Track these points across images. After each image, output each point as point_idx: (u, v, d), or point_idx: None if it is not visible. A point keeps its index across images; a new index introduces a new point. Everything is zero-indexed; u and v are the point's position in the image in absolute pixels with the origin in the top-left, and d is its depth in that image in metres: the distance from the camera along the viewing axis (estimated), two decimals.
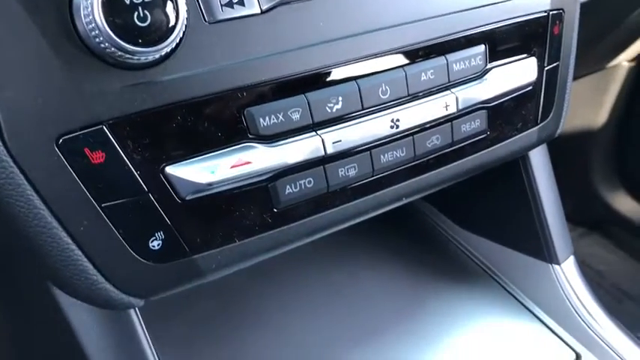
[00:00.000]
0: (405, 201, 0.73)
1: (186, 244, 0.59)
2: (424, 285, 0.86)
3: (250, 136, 0.57)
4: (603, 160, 1.91)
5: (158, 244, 0.58)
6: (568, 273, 0.88)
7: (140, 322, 0.67)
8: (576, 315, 0.86)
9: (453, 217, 1.00)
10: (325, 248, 0.90)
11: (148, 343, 0.67)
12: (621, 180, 1.91)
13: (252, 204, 0.60)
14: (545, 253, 0.89)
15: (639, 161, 1.88)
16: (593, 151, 1.92)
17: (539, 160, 0.88)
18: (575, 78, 0.82)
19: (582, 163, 1.92)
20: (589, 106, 1.89)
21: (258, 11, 0.58)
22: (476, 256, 0.96)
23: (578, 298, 0.86)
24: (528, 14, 0.72)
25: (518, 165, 0.87)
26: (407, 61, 0.64)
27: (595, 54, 1.47)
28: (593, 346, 0.84)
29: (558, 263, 0.88)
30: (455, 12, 0.67)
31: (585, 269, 1.91)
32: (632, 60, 1.71)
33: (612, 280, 1.86)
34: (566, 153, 1.87)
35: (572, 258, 0.90)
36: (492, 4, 0.69)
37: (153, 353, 0.67)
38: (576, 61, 0.81)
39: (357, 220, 0.71)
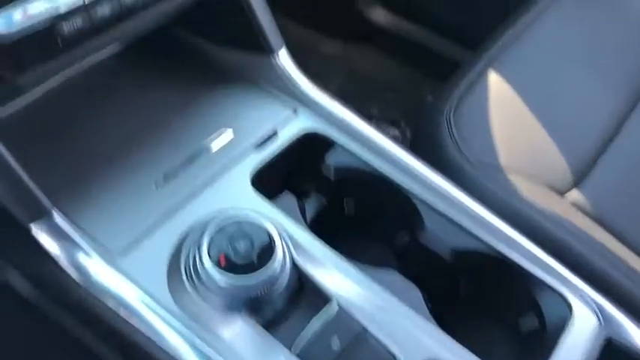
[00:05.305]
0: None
1: None
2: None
3: None
4: None
5: None
6: (283, 58, 1.24)
7: None
8: (291, 83, 1.25)
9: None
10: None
11: None
12: None
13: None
14: (264, 45, 1.22)
15: None
16: None
17: None
18: None
19: None
20: None
21: None
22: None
23: (292, 75, 1.24)
24: None
25: None
26: None
27: None
28: (306, 101, 1.24)
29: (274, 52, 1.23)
30: None
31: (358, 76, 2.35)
32: None
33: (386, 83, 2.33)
34: None
35: (284, 48, 1.24)
36: None
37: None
38: None
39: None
